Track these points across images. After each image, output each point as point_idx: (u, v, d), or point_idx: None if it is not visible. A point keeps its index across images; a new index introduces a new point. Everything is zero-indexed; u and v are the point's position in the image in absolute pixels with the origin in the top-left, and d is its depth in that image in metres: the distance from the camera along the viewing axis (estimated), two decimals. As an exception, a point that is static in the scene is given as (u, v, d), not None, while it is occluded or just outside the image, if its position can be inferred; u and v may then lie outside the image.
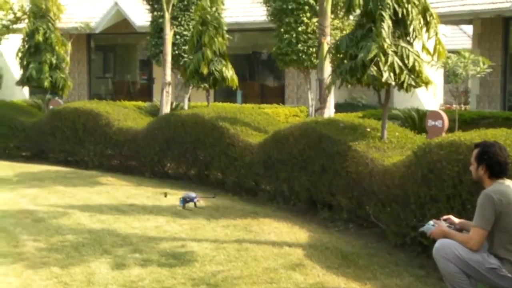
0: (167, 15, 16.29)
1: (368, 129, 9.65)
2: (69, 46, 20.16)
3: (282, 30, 15.91)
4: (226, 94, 22.60)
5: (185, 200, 10.30)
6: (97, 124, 14.95)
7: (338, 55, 9.90)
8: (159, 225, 9.20)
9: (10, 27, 23.29)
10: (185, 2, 18.50)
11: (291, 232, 8.65)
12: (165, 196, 11.17)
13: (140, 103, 21.46)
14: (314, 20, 15.36)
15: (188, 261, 7.35)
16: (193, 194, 10.45)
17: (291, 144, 10.43)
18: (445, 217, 5.99)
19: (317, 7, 13.88)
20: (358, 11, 10.00)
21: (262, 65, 25.95)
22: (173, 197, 11.00)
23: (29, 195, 11.58)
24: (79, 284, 6.67)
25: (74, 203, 10.80)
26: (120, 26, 25.34)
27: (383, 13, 9.06)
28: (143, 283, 6.65)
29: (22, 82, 18.31)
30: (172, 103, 17.68)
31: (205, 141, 12.41)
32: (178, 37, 18.25)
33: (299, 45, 15.72)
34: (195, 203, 10.30)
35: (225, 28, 14.68)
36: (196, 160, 12.71)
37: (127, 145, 14.31)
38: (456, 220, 5.95)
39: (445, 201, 6.91)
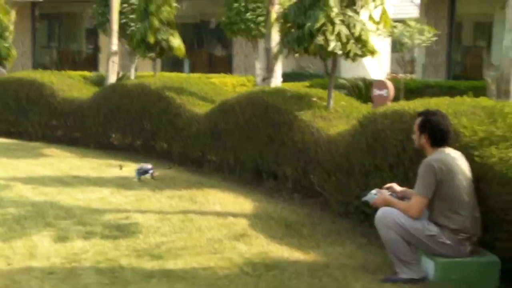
0: (113, -17, 16.00)
1: (314, 99, 9.65)
2: (13, 14, 19.64)
3: (223, -2, 15.80)
4: (173, 63, 22.39)
5: (140, 173, 10.17)
6: (41, 94, 14.67)
7: (286, 24, 9.83)
8: (104, 196, 9.09)
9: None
10: (132, -30, 18.17)
11: (236, 203, 8.63)
12: (120, 168, 11.02)
13: (86, 73, 21.13)
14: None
15: (132, 233, 7.28)
16: (148, 166, 10.32)
17: (237, 113, 10.38)
18: (387, 185, 6.05)
19: (265, -25, 13.77)
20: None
21: (210, 34, 25.74)
22: (128, 168, 10.88)
23: (-30, 167, 11.34)
24: (21, 257, 6.53)
25: (16, 175, 10.59)
26: (65, -6, 24.85)
27: (330, -18, 9.01)
28: (86, 256, 6.56)
29: (-35, 52, 17.83)
30: (118, 73, 17.43)
31: (151, 111, 12.27)
32: (125, 5, 17.92)
33: (248, 13, 15.63)
34: (152, 175, 10.18)
35: (170, -4, 14.47)
36: (142, 131, 12.57)
37: (72, 116, 14.09)
38: (398, 188, 6.00)
39: (388, 170, 6.95)
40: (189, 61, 22.73)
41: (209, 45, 25.93)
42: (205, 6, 24.78)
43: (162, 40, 13.95)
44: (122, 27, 17.44)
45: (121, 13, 17.19)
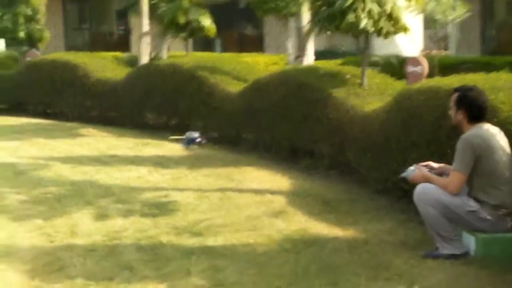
0: (144, -36, 16.05)
1: (348, 76, 9.64)
2: (44, -4, 19.80)
3: (260, -23, 15.72)
4: (205, 43, 22.41)
5: (188, 141, 10.32)
6: (75, 75, 14.82)
7: (317, 2, 9.82)
8: (141, 175, 9.20)
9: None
10: (162, -50, 18.17)
11: (273, 180, 8.69)
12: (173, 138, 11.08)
13: (118, 54, 21.24)
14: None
15: (171, 211, 7.38)
16: (195, 134, 10.44)
17: (271, 92, 10.41)
18: (424, 163, 6.02)
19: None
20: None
21: (241, 13, 25.67)
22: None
23: (9, 147, 11.52)
24: (63, 235, 6.66)
25: (55, 155, 10.75)
26: (96, -25, 24.95)
27: (361, -40, 8.98)
28: (127, 233, 6.66)
29: (-4, 33, 18.06)
30: (150, 53, 17.52)
31: (184, 91, 12.35)
32: (154, -14, 17.96)
33: (278, -7, 15.57)
34: (199, 142, 10.31)
35: (202, -24, 14.50)
36: (176, 110, 12.66)
37: (106, 96, 14.22)
38: (435, 165, 5.99)
39: (425, 146, 6.94)
40: (220, 40, 22.74)
41: (240, 24, 25.89)
42: (235, -14, 24.74)
43: (192, 20, 14.02)
44: (153, 8, 17.50)
45: (150, -6, 17.26)
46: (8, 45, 25.03)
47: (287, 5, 15.40)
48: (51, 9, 25.33)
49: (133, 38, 24.65)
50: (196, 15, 14.00)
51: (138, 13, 16.86)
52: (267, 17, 19.31)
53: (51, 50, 24.57)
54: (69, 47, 26.37)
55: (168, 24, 14.17)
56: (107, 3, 28.90)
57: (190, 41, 16.17)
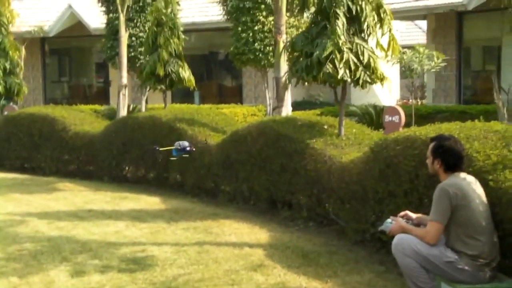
0: (122, 17, 16.19)
1: (326, 127, 9.68)
2: (22, 50, 19.88)
3: (239, 29, 15.92)
4: (183, 94, 22.51)
5: (178, 150, 10.28)
6: (53, 129, 14.76)
7: (294, 53, 9.90)
8: (119, 230, 9.10)
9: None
10: (141, 4, 18.35)
11: (251, 233, 8.63)
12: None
13: (97, 107, 21.27)
14: (270, 18, 15.39)
15: (149, 266, 7.28)
16: (185, 143, 10.42)
17: (249, 143, 10.41)
18: (402, 213, 6.04)
19: (273, 6, 13.90)
20: (312, 9, 10.03)
21: (219, 64, 25.91)
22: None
23: (-16, 204, 11.38)
24: (38, 293, 6.55)
25: (31, 210, 10.63)
26: (75, 29, 25.07)
27: (337, 11, 9.09)
28: (104, 290, 6.57)
29: (-25, 89, 17.98)
30: (129, 106, 17.56)
31: (163, 143, 12.30)
32: (134, 38, 18.08)
33: (256, 44, 15.75)
34: (189, 151, 10.28)
35: (181, 28, 14.61)
36: (155, 163, 12.61)
37: (84, 149, 14.16)
38: (413, 215, 6.00)
39: (403, 196, 6.94)
40: (199, 92, 22.85)
41: (219, 75, 26.08)
42: (214, 38, 24.98)
43: (171, 72, 14.05)
44: (131, 60, 17.61)
45: (129, 46, 17.37)
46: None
47: (265, 56, 15.58)
48: (30, 62, 25.47)
49: (112, 90, 24.71)
50: (175, 67, 14.05)
51: (117, 65, 16.94)
52: (245, 68, 19.49)
53: (30, 103, 24.62)
54: (48, 100, 26.39)
55: (147, 76, 14.20)
56: (87, 56, 29.04)
57: (169, 93, 16.22)
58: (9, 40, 18.01)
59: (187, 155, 10.43)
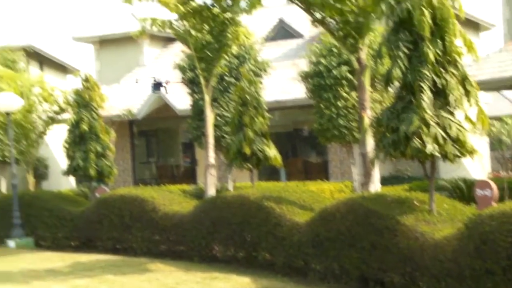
0: (207, 98, 16.54)
1: (416, 202, 9.54)
2: (113, 133, 20.49)
3: (321, 106, 16.04)
4: (269, 172, 22.60)
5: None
6: (144, 210, 15.02)
7: (380, 128, 9.89)
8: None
9: (55, 118, 23.83)
10: (224, 84, 18.78)
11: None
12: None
13: (184, 186, 21.56)
14: (353, 93, 15.46)
15: None
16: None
17: (338, 221, 10.34)
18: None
19: (355, 82, 13.98)
20: (396, 83, 10.03)
21: (304, 141, 26.01)
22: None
23: (80, 286, 11.60)
24: None
25: (125, 292, 10.77)
26: (161, 110, 25.74)
27: (422, 85, 9.09)
28: None
29: (69, 172, 18.56)
30: (216, 185, 17.75)
31: (251, 221, 12.36)
32: (218, 118, 18.42)
33: (340, 120, 15.80)
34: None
35: (265, 107, 14.81)
36: (244, 242, 12.63)
37: (174, 229, 14.32)
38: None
39: (501, 273, 6.74)
40: (285, 169, 22.92)
41: (304, 152, 26.15)
42: (297, 115, 25.17)
43: (257, 150, 14.19)
44: (217, 140, 17.89)
45: (215, 126, 17.68)
46: (78, 181, 25.86)
47: (349, 132, 15.60)
48: (119, 144, 26.23)
49: (199, 169, 25.08)
50: (261, 146, 14.20)
51: (204, 145, 17.23)
52: (330, 144, 19.50)
53: (120, 184, 25.21)
54: (137, 181, 26.96)
55: (234, 156, 14.39)
56: (173, 136, 29.69)
57: (255, 171, 16.35)
58: (100, 124, 18.61)
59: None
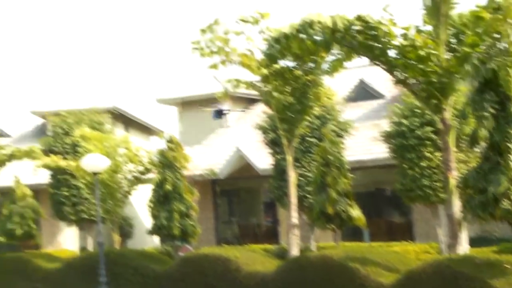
0: (289, 158, 16.65)
1: (507, 265, 9.31)
2: (196, 193, 20.79)
3: (405, 166, 15.91)
4: (352, 232, 22.36)
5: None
6: (227, 269, 15.11)
7: (467, 189, 9.78)
8: None
9: (140, 178, 24.35)
10: (306, 144, 18.88)
11: None
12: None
13: (267, 246, 21.56)
14: (437, 154, 15.31)
15: None
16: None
17: (424, 282, 10.18)
18: None
19: (439, 142, 13.86)
20: (482, 143, 9.94)
21: (387, 201, 25.70)
22: None
23: None
24: None
25: None
26: (243, 170, 25.96)
27: (510, 145, 8.98)
28: None
29: (153, 231, 18.87)
30: (299, 245, 17.71)
31: (335, 282, 12.28)
32: (300, 178, 18.48)
33: (424, 180, 15.62)
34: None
35: (347, 167, 14.81)
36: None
37: (257, 289, 14.34)
38: None
39: None
40: (368, 229, 22.68)
41: (387, 212, 25.79)
42: (379, 174, 24.98)
43: (341, 211, 14.18)
44: (299, 199, 17.90)
45: (297, 186, 17.72)
46: (162, 240, 26.19)
47: (434, 192, 15.38)
48: (202, 204, 26.50)
49: (281, 229, 25.06)
50: (344, 206, 14.18)
51: (286, 205, 17.27)
52: (414, 205, 19.23)
53: (203, 243, 25.38)
54: (219, 240, 27.08)
55: (317, 216, 14.41)
56: (255, 196, 29.80)
57: (338, 231, 16.29)
58: (184, 183, 18.96)
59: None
